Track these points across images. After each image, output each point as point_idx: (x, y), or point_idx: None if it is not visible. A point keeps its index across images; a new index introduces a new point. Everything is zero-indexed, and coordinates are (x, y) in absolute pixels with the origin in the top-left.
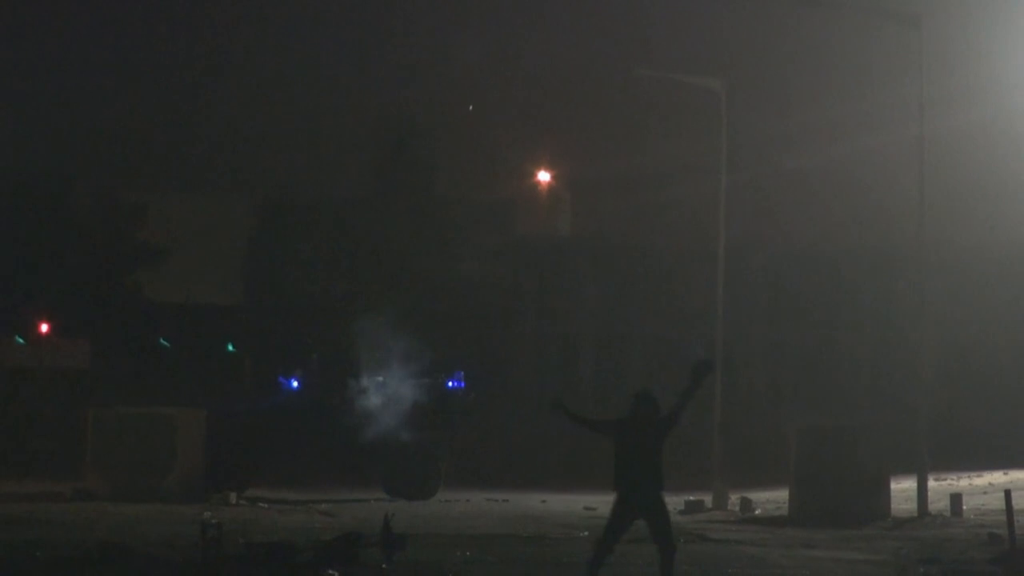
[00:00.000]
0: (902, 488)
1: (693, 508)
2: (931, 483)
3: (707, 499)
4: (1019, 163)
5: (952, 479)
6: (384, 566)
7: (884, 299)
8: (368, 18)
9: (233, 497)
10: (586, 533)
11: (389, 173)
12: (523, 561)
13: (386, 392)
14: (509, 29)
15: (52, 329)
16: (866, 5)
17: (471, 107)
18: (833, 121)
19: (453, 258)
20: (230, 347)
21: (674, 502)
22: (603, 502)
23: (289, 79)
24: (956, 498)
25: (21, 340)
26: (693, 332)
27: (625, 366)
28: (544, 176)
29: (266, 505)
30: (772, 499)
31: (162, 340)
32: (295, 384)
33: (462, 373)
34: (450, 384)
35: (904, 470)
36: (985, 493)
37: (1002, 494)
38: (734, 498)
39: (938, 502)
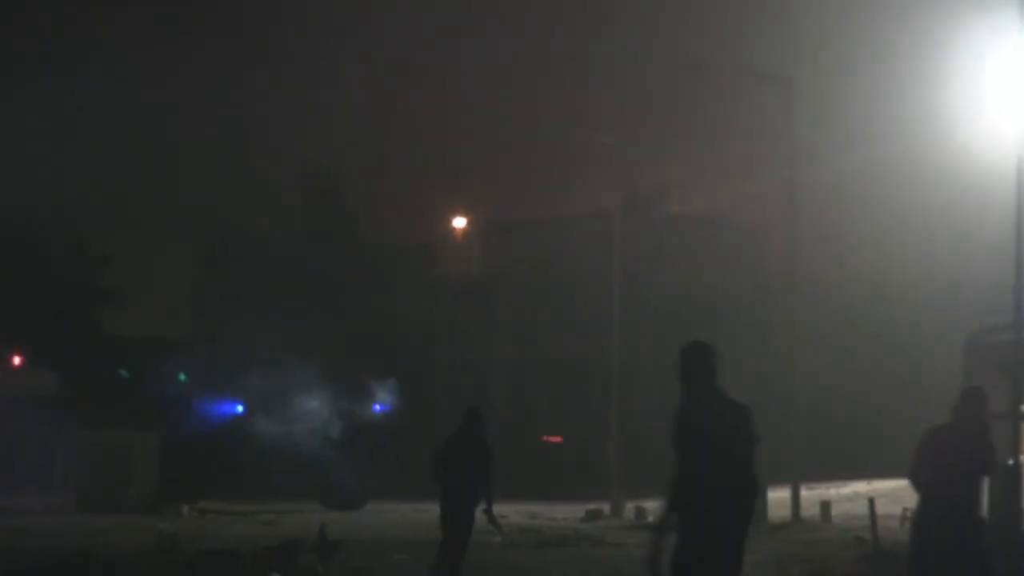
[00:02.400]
0: (778, 496)
1: (593, 516)
2: (803, 492)
3: (605, 508)
4: (882, 205)
5: (822, 488)
6: (320, 569)
7: (761, 330)
8: (292, 67)
9: (185, 509)
10: (499, 539)
11: (317, 219)
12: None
13: (319, 416)
14: (433, 89)
15: (23, 361)
16: (743, 69)
17: None
18: (715, 169)
19: (377, 295)
20: (182, 377)
21: (576, 511)
22: (515, 511)
23: (221, 125)
24: (826, 505)
25: None
26: (591, 356)
27: (531, 386)
28: (459, 222)
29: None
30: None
31: (122, 371)
32: (239, 410)
33: (386, 398)
34: (376, 408)
35: (780, 481)
36: (851, 500)
37: (866, 501)
38: (630, 507)
39: (810, 509)
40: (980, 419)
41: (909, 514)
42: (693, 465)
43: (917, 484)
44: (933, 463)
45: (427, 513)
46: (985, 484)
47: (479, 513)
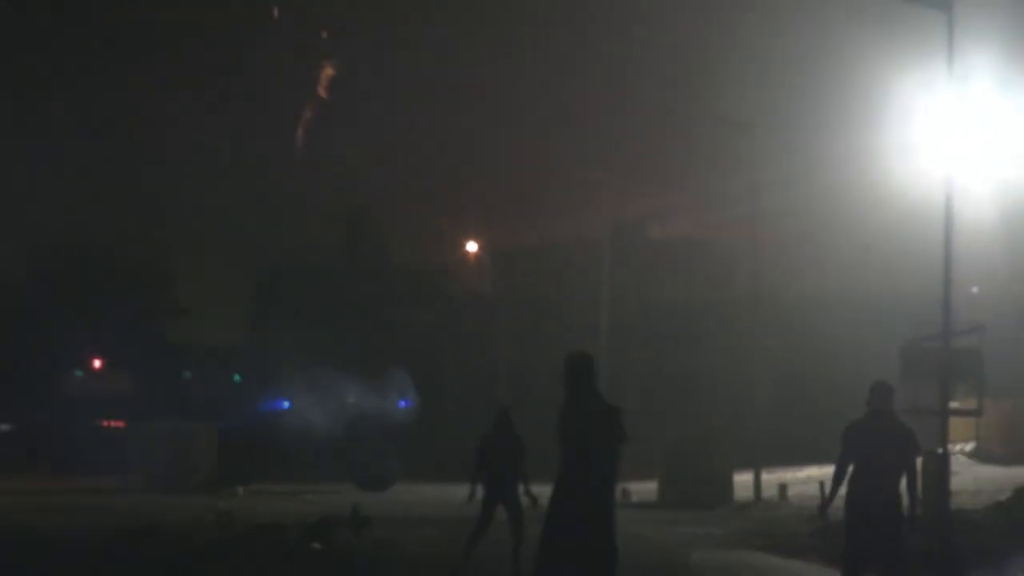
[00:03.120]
0: (743, 480)
1: None
2: (764, 476)
3: None
4: (835, 228)
5: (780, 472)
6: (354, 541)
7: (730, 338)
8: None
9: (239, 490)
10: (503, 518)
11: (353, 246)
12: (464, 537)
13: (353, 411)
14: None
15: (103, 365)
16: (715, 116)
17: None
18: (690, 200)
19: (402, 310)
20: (237, 378)
21: None
22: (542, 493)
23: (263, 160)
24: (783, 487)
25: (80, 373)
26: None
27: (532, 388)
28: (472, 247)
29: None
30: (646, 489)
31: (185, 373)
32: (285, 406)
33: (409, 396)
34: (401, 404)
35: (744, 466)
36: (805, 483)
37: (818, 484)
38: (618, 488)
39: (770, 490)
40: (890, 408)
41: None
42: (570, 455)
43: (842, 470)
44: (858, 451)
45: (446, 494)
46: (919, 465)
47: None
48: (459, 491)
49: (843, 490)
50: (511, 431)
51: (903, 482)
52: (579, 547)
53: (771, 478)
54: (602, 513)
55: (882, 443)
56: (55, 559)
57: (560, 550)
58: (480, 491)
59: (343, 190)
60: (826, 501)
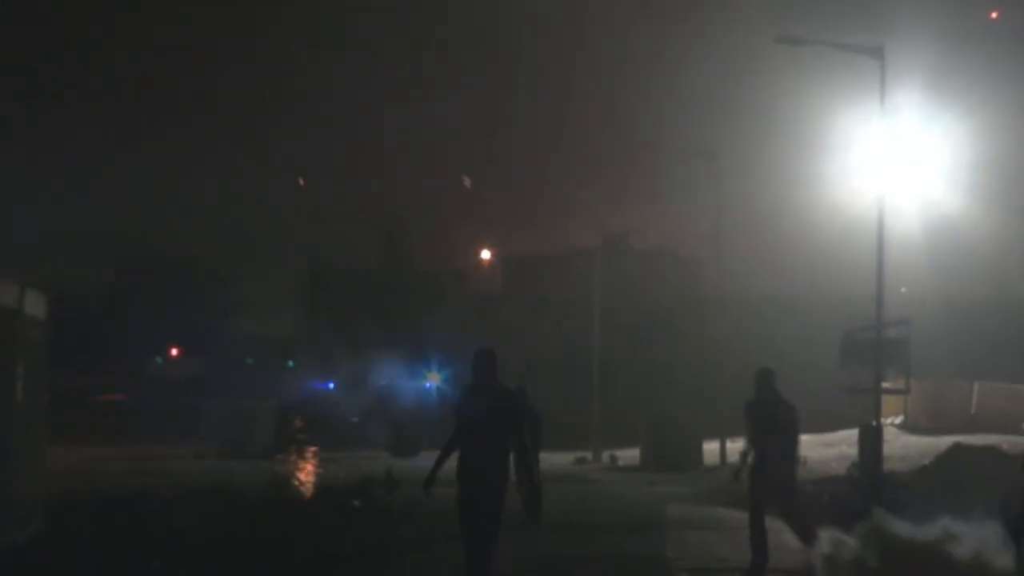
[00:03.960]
0: (711, 447)
1: (580, 461)
2: (729, 444)
3: (588, 455)
4: (786, 240)
5: (742, 442)
6: (388, 499)
7: (700, 333)
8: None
9: (293, 456)
10: (512, 478)
11: (385, 253)
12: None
13: (386, 391)
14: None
15: (180, 352)
16: (681, 148)
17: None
18: (666, 216)
19: (426, 308)
20: (291, 364)
21: (568, 458)
22: (544, 459)
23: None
24: (744, 454)
25: (160, 360)
26: (580, 354)
27: (536, 376)
28: (486, 254)
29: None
30: (631, 455)
31: (248, 359)
32: (330, 386)
33: (434, 380)
34: (427, 386)
35: (713, 436)
36: None
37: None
38: (606, 455)
39: (733, 456)
40: (773, 390)
41: (804, 460)
42: (458, 424)
43: (752, 442)
44: (756, 426)
45: None
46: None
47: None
48: None
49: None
50: (528, 405)
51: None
52: (475, 492)
53: (735, 446)
54: (493, 464)
55: (772, 419)
56: (145, 511)
57: (465, 496)
58: None
59: (379, 205)
60: (741, 467)
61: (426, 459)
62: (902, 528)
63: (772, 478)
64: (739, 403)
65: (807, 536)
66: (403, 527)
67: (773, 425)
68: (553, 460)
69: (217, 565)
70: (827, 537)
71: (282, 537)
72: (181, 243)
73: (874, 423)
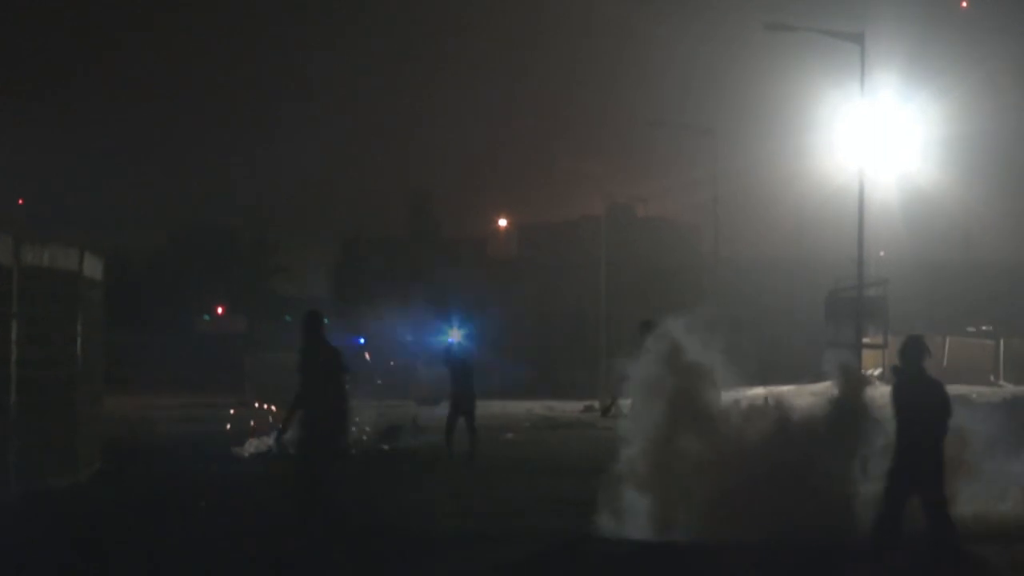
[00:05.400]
0: None
1: (588, 410)
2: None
3: (596, 404)
4: (776, 208)
5: (734, 392)
6: (413, 441)
7: (697, 293)
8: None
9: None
10: (528, 424)
11: (414, 222)
12: (497, 441)
13: (412, 346)
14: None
15: (225, 311)
16: (680, 120)
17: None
18: (668, 186)
19: (449, 272)
20: (325, 320)
21: (577, 407)
22: (540, 405)
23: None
24: (736, 401)
25: (207, 317)
26: (588, 312)
27: (551, 333)
28: (503, 222)
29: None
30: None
31: (287, 317)
32: (361, 341)
33: (454, 337)
34: (449, 341)
35: None
36: (751, 399)
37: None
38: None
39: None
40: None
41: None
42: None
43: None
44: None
45: (484, 408)
46: None
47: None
48: (490, 406)
49: None
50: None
51: None
52: (313, 441)
53: (727, 395)
54: (326, 415)
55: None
56: (192, 455)
57: (307, 444)
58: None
59: (407, 177)
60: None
61: (446, 408)
62: None
63: None
64: (731, 356)
65: None
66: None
67: None
68: (565, 408)
69: (258, 503)
70: None
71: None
72: (228, 213)
73: None
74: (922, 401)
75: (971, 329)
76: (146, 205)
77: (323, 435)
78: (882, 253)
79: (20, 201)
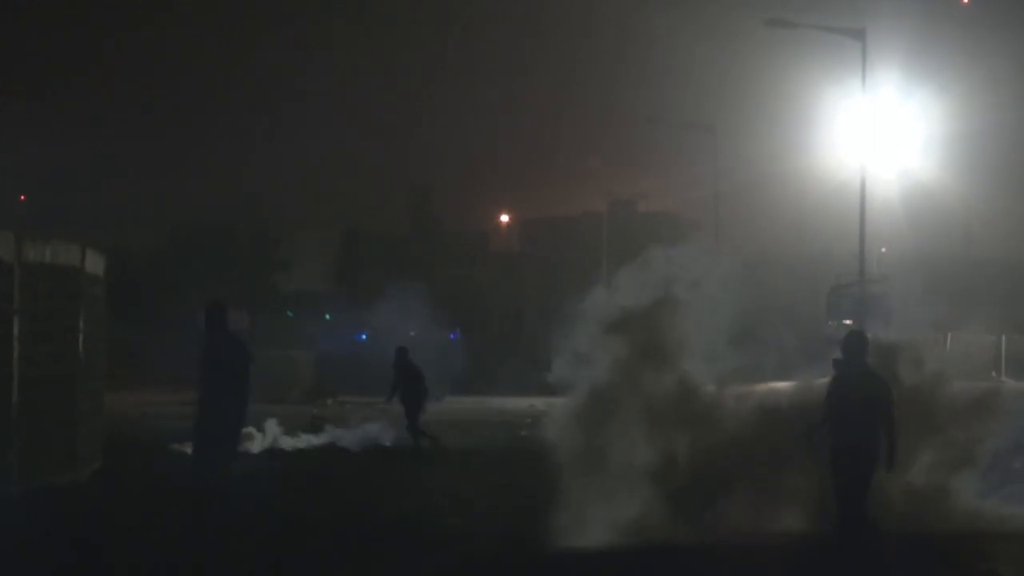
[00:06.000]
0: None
1: None
2: None
3: None
4: (778, 203)
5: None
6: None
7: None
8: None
9: (329, 401)
10: (530, 420)
11: (416, 216)
12: (492, 435)
13: (416, 340)
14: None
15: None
16: (681, 117)
17: None
18: (669, 181)
19: (451, 265)
20: (327, 316)
21: None
22: (544, 402)
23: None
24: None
25: None
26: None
27: (552, 328)
28: (504, 217)
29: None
30: None
31: (288, 312)
32: (363, 337)
33: (457, 331)
34: (452, 336)
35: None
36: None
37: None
38: None
39: None
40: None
41: None
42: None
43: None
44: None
45: (484, 404)
46: None
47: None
48: (493, 402)
49: None
50: (410, 363)
51: None
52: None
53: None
54: (227, 413)
55: None
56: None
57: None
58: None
59: (409, 169)
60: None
61: (451, 402)
62: None
63: None
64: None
65: None
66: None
67: None
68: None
69: (259, 503)
70: None
71: (320, 472)
72: (230, 210)
73: None
74: (860, 396)
75: (972, 325)
76: (147, 204)
77: (222, 433)
78: (883, 249)
79: (22, 197)
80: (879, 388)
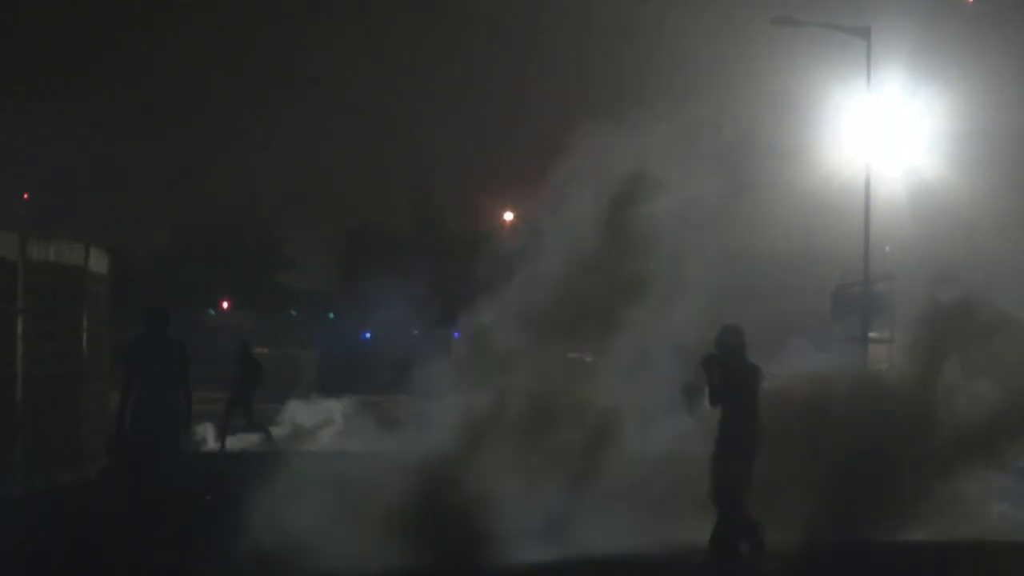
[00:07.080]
0: None
1: None
2: None
3: None
4: (783, 202)
5: None
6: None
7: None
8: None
9: (333, 400)
10: None
11: (419, 215)
12: None
13: (418, 340)
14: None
15: (230, 305)
16: (685, 115)
17: None
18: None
19: (453, 264)
20: (331, 315)
21: None
22: None
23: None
24: None
25: (212, 312)
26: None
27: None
28: (508, 215)
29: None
30: None
31: (292, 311)
32: (367, 336)
33: (460, 330)
34: (455, 335)
35: None
36: None
37: None
38: None
39: None
40: (740, 345)
41: None
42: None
43: (715, 400)
44: (725, 383)
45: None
46: None
47: None
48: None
49: None
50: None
51: None
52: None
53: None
54: (167, 409)
55: (735, 377)
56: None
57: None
58: None
59: (411, 167)
60: None
61: (454, 401)
62: None
63: None
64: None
65: None
66: None
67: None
68: None
69: (263, 498)
70: None
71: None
72: (233, 208)
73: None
74: (733, 391)
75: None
76: (148, 203)
77: (159, 435)
78: (888, 248)
79: (26, 196)
80: (753, 380)
